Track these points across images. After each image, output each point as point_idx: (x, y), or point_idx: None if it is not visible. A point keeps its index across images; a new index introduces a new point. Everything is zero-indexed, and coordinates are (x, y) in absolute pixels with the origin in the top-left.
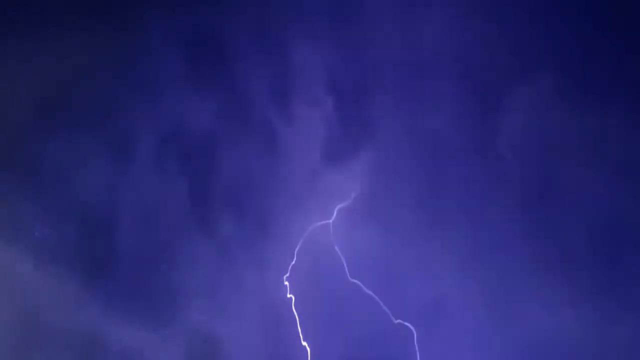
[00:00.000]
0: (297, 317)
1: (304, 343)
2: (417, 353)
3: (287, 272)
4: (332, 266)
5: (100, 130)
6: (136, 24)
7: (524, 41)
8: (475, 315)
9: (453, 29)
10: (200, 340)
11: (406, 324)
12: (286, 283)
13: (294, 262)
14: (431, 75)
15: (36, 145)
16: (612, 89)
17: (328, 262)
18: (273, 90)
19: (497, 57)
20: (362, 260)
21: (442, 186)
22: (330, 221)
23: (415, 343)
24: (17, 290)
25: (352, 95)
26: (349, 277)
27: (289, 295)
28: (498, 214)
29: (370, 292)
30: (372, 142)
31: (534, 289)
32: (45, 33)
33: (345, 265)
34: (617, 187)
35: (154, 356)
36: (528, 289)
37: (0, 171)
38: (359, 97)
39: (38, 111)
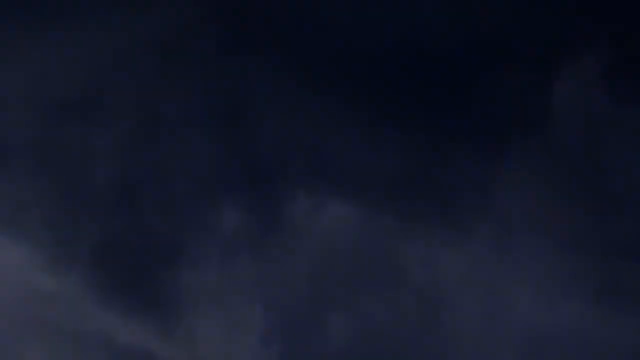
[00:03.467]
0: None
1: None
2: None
3: (289, 272)
4: (334, 265)
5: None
6: None
7: (567, 22)
8: (476, 309)
9: (493, 11)
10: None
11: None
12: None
13: (297, 261)
14: (469, 57)
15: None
16: None
17: (330, 261)
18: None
19: (543, 37)
20: (364, 257)
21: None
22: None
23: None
24: (17, 289)
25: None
26: (351, 276)
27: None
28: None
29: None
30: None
31: (537, 282)
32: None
33: (345, 263)
34: None
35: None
36: (531, 282)
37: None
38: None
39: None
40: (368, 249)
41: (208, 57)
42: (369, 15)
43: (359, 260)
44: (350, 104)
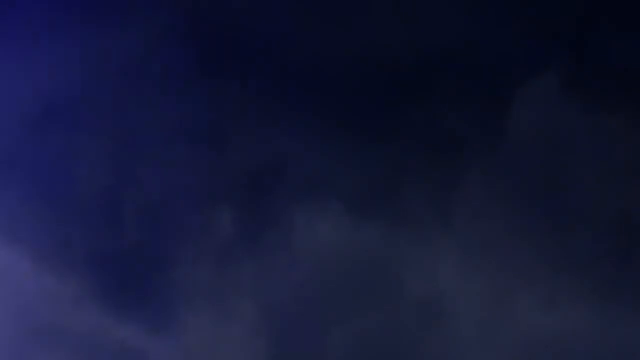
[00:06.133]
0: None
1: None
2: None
3: (287, 272)
4: (332, 265)
5: (102, 128)
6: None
7: (528, 37)
8: (476, 314)
9: (457, 25)
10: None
11: None
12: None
13: (295, 262)
14: (434, 73)
15: (34, 141)
16: (619, 87)
17: (328, 261)
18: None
19: (502, 53)
20: (361, 258)
21: (445, 183)
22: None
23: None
24: (16, 289)
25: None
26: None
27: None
28: (501, 211)
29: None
30: (378, 136)
31: (537, 287)
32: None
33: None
34: (624, 186)
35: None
36: (531, 287)
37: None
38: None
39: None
40: (358, 254)
41: (189, 72)
42: (340, 34)
43: (351, 265)
44: (324, 118)
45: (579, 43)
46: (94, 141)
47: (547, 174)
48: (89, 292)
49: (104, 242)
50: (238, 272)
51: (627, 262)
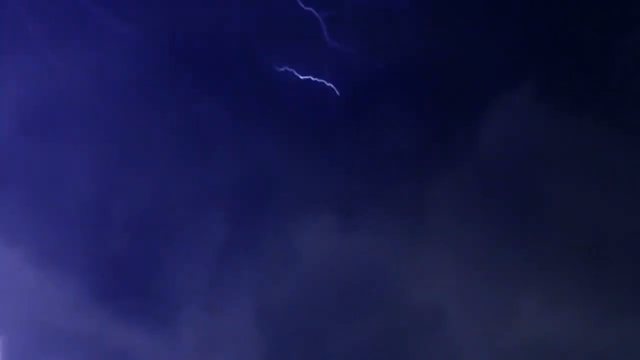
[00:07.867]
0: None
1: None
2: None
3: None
4: (328, 268)
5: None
6: None
7: (505, 48)
8: (473, 317)
9: (437, 37)
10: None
11: None
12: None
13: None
14: (410, 84)
15: (29, 146)
16: (594, 96)
17: (324, 264)
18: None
19: (480, 64)
20: (359, 263)
21: (433, 193)
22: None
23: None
24: (20, 292)
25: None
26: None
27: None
28: (490, 220)
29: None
30: (368, 144)
31: (530, 291)
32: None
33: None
34: (603, 191)
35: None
36: (524, 291)
37: None
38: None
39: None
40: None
41: (182, 81)
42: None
43: (341, 270)
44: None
45: (554, 52)
46: (93, 149)
47: (522, 182)
48: (88, 296)
49: (103, 247)
50: (235, 276)
51: (602, 267)
